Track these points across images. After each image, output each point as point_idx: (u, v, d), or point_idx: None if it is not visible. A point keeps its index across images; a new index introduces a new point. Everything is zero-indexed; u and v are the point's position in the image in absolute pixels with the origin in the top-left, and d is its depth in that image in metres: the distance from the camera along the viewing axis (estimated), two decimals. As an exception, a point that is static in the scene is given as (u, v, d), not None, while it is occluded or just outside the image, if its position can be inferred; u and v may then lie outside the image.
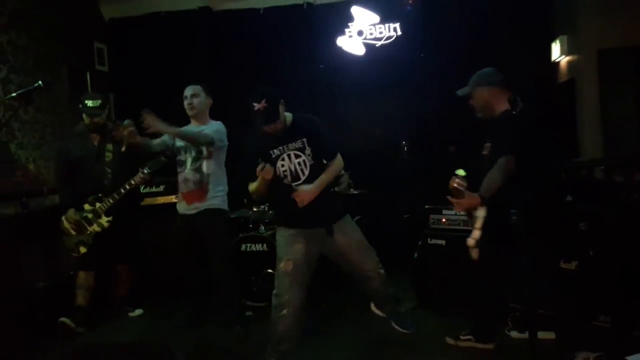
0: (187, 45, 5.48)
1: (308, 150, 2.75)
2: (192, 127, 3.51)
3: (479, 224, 2.53)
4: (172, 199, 4.31)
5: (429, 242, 3.76)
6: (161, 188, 4.49)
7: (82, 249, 3.71)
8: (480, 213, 2.54)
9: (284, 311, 2.78)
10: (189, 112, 3.50)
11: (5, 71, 4.36)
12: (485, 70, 2.90)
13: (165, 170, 3.75)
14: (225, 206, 3.55)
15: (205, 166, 3.44)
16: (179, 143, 3.51)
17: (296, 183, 2.75)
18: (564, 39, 4.65)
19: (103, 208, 3.70)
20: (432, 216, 3.81)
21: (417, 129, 4.92)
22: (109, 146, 3.80)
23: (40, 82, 3.04)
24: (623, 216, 3.01)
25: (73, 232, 3.71)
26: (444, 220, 3.75)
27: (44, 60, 4.80)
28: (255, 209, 4.42)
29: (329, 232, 2.80)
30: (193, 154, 3.46)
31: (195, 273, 3.61)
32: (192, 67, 5.33)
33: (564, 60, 4.76)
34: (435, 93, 4.93)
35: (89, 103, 3.73)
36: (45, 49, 4.83)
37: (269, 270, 3.98)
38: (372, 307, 3.30)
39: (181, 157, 3.50)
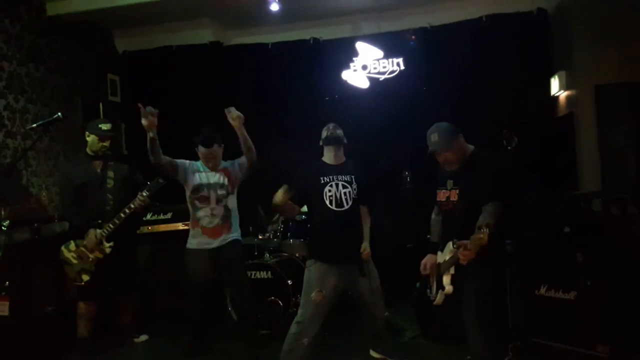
0: (197, 78, 5.66)
1: (354, 185, 3.18)
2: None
3: (452, 270, 2.60)
4: (179, 226, 4.41)
5: (431, 271, 3.80)
6: (169, 215, 4.55)
7: (85, 277, 3.67)
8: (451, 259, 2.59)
9: (304, 340, 2.93)
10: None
11: (23, 102, 4.55)
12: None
13: (170, 197, 3.79)
14: (240, 237, 3.69)
15: (229, 202, 3.53)
16: (203, 180, 3.53)
17: (339, 209, 3.10)
18: (562, 75, 4.78)
19: (104, 234, 3.66)
20: (433, 246, 3.84)
21: (419, 160, 5.01)
22: (110, 173, 3.82)
23: (59, 114, 3.18)
24: (620, 248, 3.06)
25: (74, 261, 3.67)
26: (445, 250, 3.79)
27: (60, 92, 5.00)
28: (260, 237, 4.49)
29: (363, 274, 3.12)
30: (219, 191, 3.50)
31: (198, 300, 3.64)
32: (201, 99, 5.49)
33: (562, 95, 4.88)
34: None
35: (104, 127, 3.77)
36: (61, 81, 5.04)
37: (273, 298, 4.04)
38: (371, 352, 3.47)
39: (204, 194, 3.49)
